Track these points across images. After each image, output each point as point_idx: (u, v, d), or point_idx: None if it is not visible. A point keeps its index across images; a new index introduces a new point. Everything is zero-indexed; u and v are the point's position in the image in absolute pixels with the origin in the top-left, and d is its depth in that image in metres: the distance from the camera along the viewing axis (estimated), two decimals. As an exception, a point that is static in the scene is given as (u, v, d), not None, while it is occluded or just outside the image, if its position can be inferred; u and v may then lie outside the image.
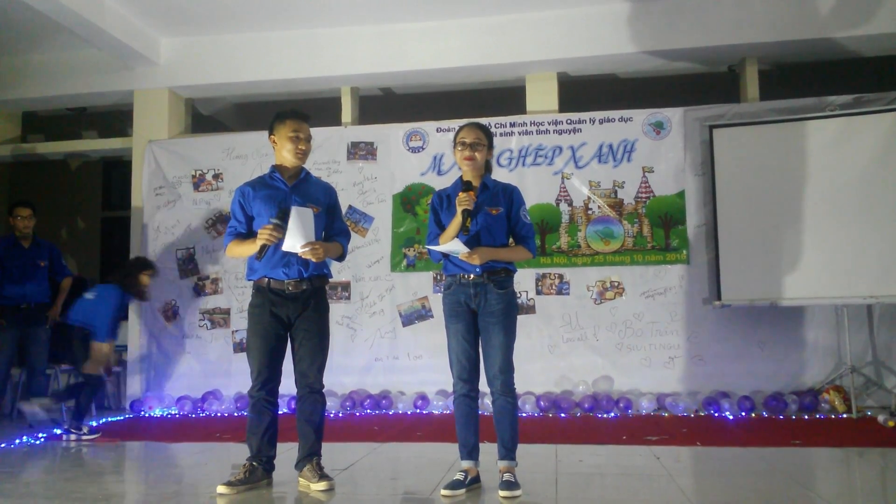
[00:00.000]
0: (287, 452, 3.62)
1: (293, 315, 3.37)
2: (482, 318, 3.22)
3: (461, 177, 3.33)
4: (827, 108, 5.74)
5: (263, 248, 3.25)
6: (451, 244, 3.14)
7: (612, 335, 5.92)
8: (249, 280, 3.47)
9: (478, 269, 3.19)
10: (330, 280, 3.56)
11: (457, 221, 3.17)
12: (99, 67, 6.77)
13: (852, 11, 5.80)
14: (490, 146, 3.33)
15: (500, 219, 3.26)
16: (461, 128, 3.32)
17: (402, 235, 6.28)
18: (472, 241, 3.19)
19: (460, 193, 3.17)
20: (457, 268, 3.24)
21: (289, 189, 3.41)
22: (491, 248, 3.21)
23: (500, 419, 3.21)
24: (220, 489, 3.21)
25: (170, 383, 6.41)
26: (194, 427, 5.38)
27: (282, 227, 3.21)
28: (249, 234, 3.41)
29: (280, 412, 3.53)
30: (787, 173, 5.63)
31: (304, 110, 3.51)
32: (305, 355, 3.38)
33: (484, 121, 6.14)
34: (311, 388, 3.38)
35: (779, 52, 6.20)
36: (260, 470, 3.35)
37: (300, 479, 3.33)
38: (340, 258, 3.54)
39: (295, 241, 3.23)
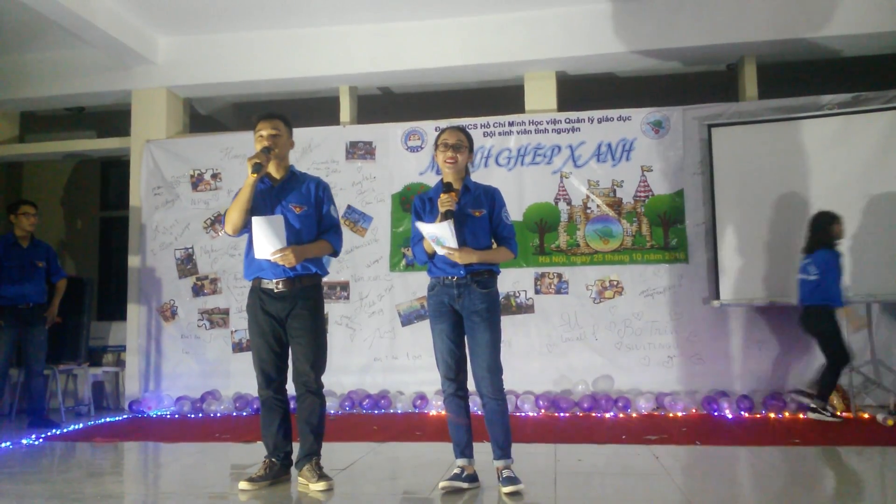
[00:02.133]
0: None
1: (283, 314, 3.38)
2: (467, 318, 3.22)
3: (441, 179, 3.34)
4: (825, 107, 5.74)
5: (256, 165, 3.25)
6: (439, 228, 3.10)
7: (612, 334, 5.92)
8: (247, 279, 3.49)
9: (462, 271, 3.20)
10: (322, 277, 3.52)
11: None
12: (97, 67, 6.76)
13: (851, 10, 5.80)
14: (471, 149, 3.35)
15: (482, 220, 3.28)
16: (442, 130, 3.35)
17: (400, 235, 6.28)
18: (458, 244, 3.18)
19: (442, 195, 3.18)
20: (440, 270, 3.25)
21: (271, 189, 3.43)
22: (474, 250, 3.21)
23: (491, 421, 3.21)
24: (242, 485, 3.29)
25: (168, 383, 6.40)
26: (193, 427, 5.37)
27: (267, 150, 3.33)
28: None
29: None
30: (785, 172, 5.63)
31: (274, 109, 3.54)
32: (299, 355, 3.39)
33: (482, 120, 6.25)
34: (308, 388, 3.39)
35: (777, 51, 6.20)
36: (279, 465, 3.41)
37: (300, 478, 3.36)
38: (333, 254, 3.50)
39: (263, 248, 3.25)
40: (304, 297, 3.40)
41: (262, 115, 3.47)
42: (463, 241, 3.19)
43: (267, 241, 3.24)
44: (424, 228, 3.18)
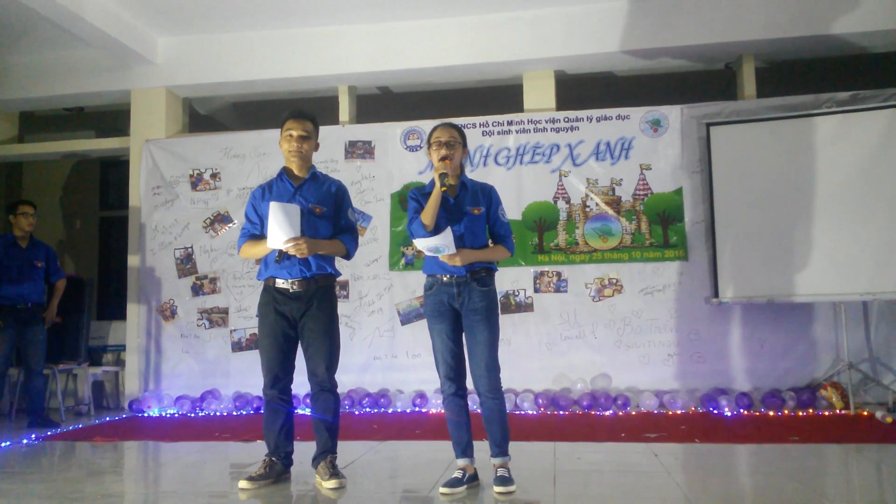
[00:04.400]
0: (311, 450, 3.57)
1: (297, 314, 3.39)
2: (466, 317, 3.22)
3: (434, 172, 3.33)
4: (824, 105, 5.75)
5: (283, 253, 3.29)
6: (440, 238, 3.11)
7: (611, 332, 5.92)
8: (259, 280, 3.51)
9: (462, 270, 3.21)
10: (336, 278, 3.55)
11: (435, 192, 3.17)
12: (96, 67, 6.77)
13: (849, 8, 5.80)
14: (464, 144, 3.33)
15: (481, 219, 3.29)
16: (434, 128, 3.33)
17: (400, 234, 6.28)
18: (457, 243, 3.18)
19: (437, 162, 3.21)
20: (439, 268, 3.25)
21: (294, 189, 3.44)
22: (472, 250, 3.22)
23: (489, 420, 3.22)
24: (242, 484, 3.30)
25: (168, 383, 6.41)
26: (193, 426, 5.38)
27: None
28: (262, 236, 3.44)
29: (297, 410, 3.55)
30: (784, 170, 5.64)
31: (306, 109, 3.54)
32: (314, 354, 3.40)
33: (481, 119, 6.25)
34: (322, 387, 3.41)
35: (775, 50, 6.21)
36: (279, 465, 3.43)
37: (316, 476, 3.38)
38: (346, 256, 3.53)
39: (277, 236, 3.24)
40: (320, 297, 3.41)
41: (293, 112, 3.47)
42: (461, 240, 3.20)
43: (280, 228, 3.23)
44: (423, 243, 3.17)
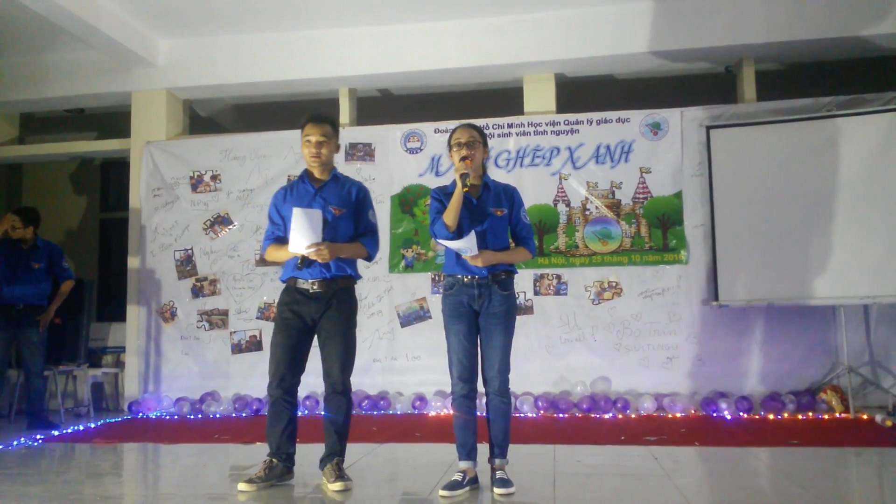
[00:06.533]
0: (318, 452, 3.56)
1: (316, 315, 3.40)
2: (484, 319, 3.24)
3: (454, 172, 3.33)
4: (824, 109, 5.75)
5: (305, 258, 3.30)
6: (465, 241, 3.13)
7: (611, 335, 5.92)
8: (281, 280, 3.53)
9: (484, 272, 3.21)
10: (357, 281, 3.56)
11: (457, 193, 3.18)
12: (97, 69, 6.77)
13: (849, 12, 5.81)
14: (485, 144, 3.35)
15: (503, 220, 3.31)
16: (454, 129, 3.34)
17: (399, 237, 6.28)
18: (479, 243, 3.20)
19: (458, 163, 3.21)
20: (460, 269, 3.25)
21: (314, 191, 3.47)
22: (495, 251, 3.24)
23: (495, 419, 3.24)
24: (242, 486, 3.29)
25: (167, 385, 6.41)
26: (192, 428, 5.38)
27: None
28: (286, 239, 3.45)
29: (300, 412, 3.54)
30: (784, 174, 5.64)
31: (324, 112, 3.57)
32: (328, 356, 3.41)
33: (482, 121, 6.24)
34: (335, 389, 3.41)
35: (776, 53, 6.22)
36: (280, 466, 3.41)
37: (323, 477, 3.37)
38: (367, 258, 3.55)
39: (299, 242, 3.25)
40: (339, 298, 3.43)
41: (311, 116, 3.49)
42: (483, 241, 3.20)
43: (302, 234, 3.25)
44: (449, 245, 3.19)
